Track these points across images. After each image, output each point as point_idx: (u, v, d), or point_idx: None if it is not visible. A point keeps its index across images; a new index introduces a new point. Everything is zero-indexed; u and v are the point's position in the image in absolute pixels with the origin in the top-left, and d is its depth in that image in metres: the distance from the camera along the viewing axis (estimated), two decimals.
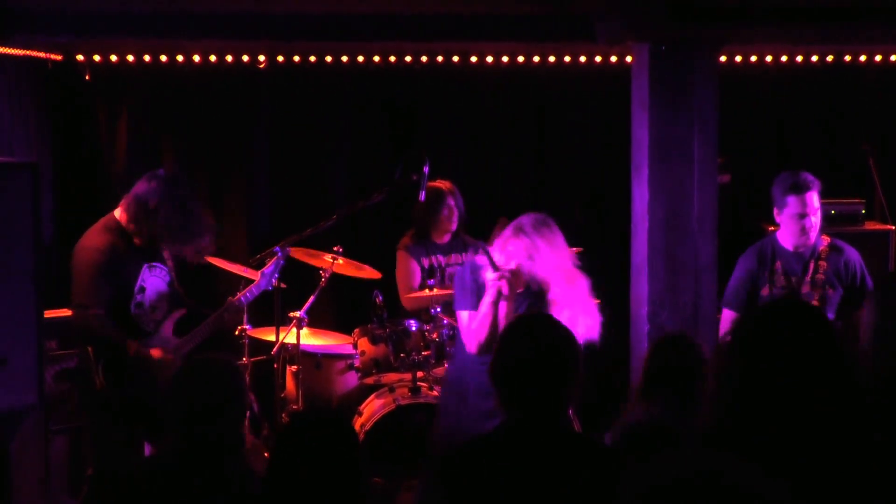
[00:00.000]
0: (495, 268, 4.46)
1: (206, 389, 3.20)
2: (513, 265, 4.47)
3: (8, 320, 4.19)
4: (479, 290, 4.56)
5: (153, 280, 5.03)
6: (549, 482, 2.74)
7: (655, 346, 3.84)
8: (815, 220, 5.02)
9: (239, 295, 5.28)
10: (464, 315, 4.62)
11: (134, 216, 4.93)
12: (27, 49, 6.23)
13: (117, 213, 4.99)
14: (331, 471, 2.76)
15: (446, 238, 6.33)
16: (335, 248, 5.81)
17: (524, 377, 2.82)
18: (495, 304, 4.44)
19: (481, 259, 4.55)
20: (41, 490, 4.43)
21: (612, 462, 2.86)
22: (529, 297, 4.58)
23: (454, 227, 6.30)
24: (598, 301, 4.82)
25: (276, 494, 2.77)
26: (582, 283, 4.59)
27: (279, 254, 5.35)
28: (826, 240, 5.12)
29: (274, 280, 5.37)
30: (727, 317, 5.22)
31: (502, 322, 4.40)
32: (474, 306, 4.55)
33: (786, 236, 5.12)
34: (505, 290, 4.42)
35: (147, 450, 5.16)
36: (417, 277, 6.25)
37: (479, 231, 6.53)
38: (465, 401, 4.57)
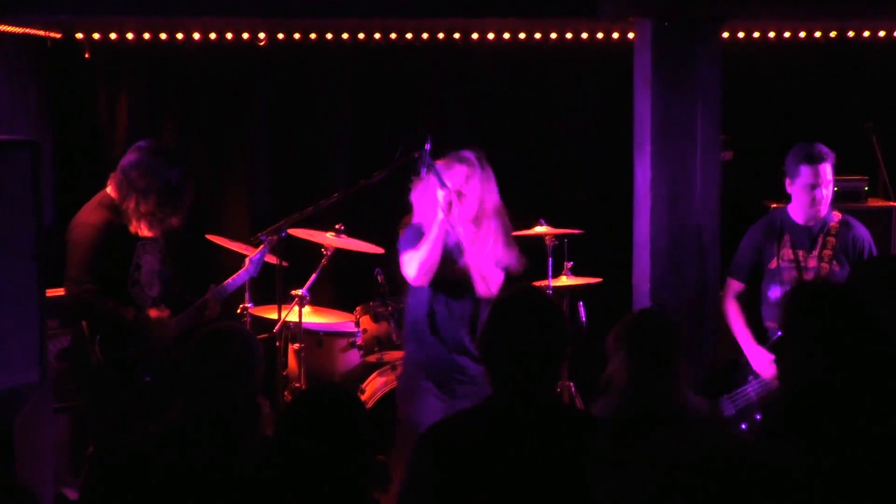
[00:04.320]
0: (443, 184, 4.59)
1: (219, 358, 3.19)
2: (454, 188, 4.63)
3: (9, 299, 4.17)
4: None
5: (147, 257, 5.01)
6: (541, 457, 2.74)
7: (627, 326, 3.67)
8: (827, 192, 5.00)
9: (222, 284, 5.23)
10: (406, 256, 4.74)
11: (118, 189, 4.90)
12: (26, 27, 6.20)
13: (109, 188, 4.97)
14: (339, 444, 2.75)
15: None
16: (337, 227, 5.80)
17: (514, 355, 2.81)
18: (446, 222, 4.59)
19: (431, 182, 4.68)
20: (48, 468, 4.43)
21: (604, 435, 2.85)
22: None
23: None
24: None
25: (283, 466, 2.76)
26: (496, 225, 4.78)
27: (265, 241, 5.30)
28: (837, 216, 5.10)
29: (260, 266, 5.32)
30: (732, 286, 5.21)
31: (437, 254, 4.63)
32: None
33: (797, 209, 5.10)
34: (455, 202, 4.58)
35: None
36: None
37: None
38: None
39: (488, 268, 4.72)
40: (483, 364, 2.89)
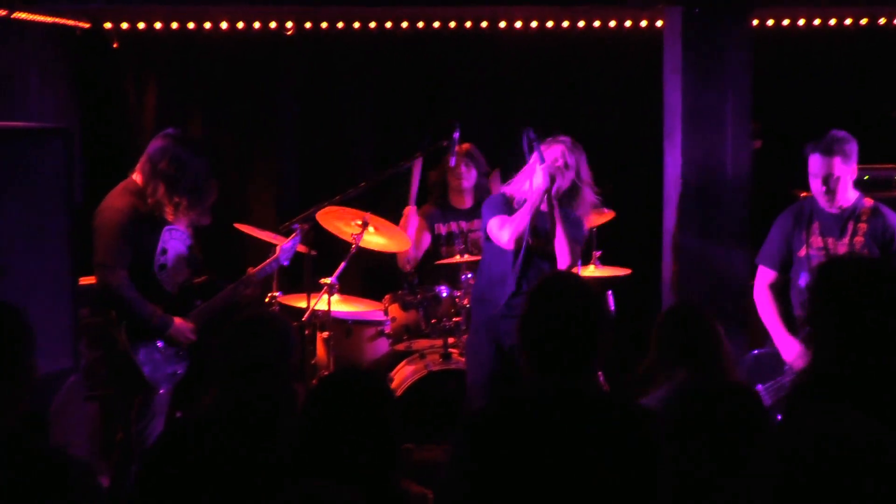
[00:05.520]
0: (543, 160, 4.87)
1: (255, 344, 3.18)
2: (559, 161, 4.97)
3: (43, 286, 4.21)
4: (509, 209, 5.02)
5: (174, 243, 5.02)
6: (581, 445, 2.72)
7: (664, 324, 3.72)
8: (835, 184, 4.92)
9: (257, 269, 5.26)
10: (495, 220, 5.02)
11: (144, 175, 4.93)
12: (56, 16, 6.23)
13: (135, 175, 5.00)
14: (364, 427, 2.74)
15: (468, 203, 6.29)
16: (365, 216, 5.78)
17: (554, 341, 2.80)
18: (547, 191, 4.85)
19: (532, 159, 4.95)
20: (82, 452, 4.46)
21: (645, 423, 2.83)
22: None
23: (466, 184, 6.24)
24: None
25: (307, 449, 2.75)
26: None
27: (297, 229, 5.33)
28: (869, 202, 5.04)
29: (291, 255, 5.36)
30: (762, 273, 5.17)
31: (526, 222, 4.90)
32: (506, 213, 5.00)
33: None
34: (558, 178, 4.91)
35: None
36: (424, 245, 6.27)
37: None
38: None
39: (574, 241, 5.02)
40: (521, 351, 2.87)
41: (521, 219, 4.90)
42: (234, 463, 3.05)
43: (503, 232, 4.95)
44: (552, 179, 4.87)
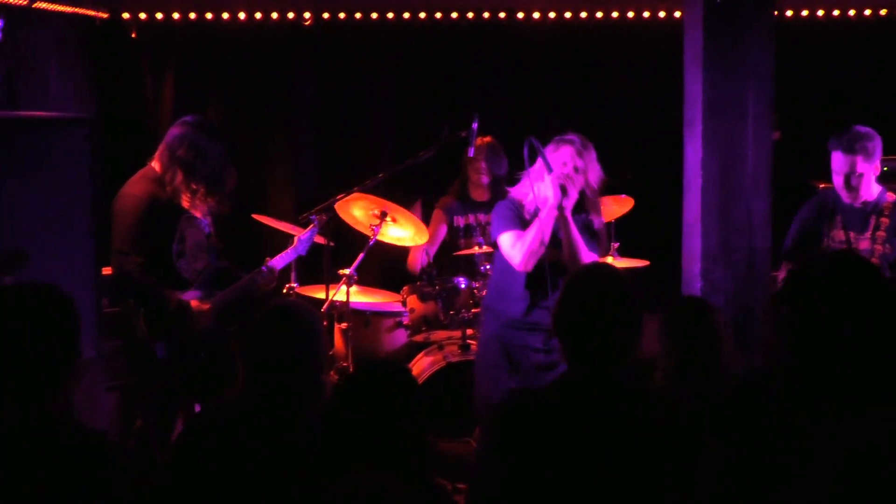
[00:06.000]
0: (550, 169, 4.57)
1: (282, 337, 3.16)
2: (568, 167, 4.62)
3: (65, 274, 4.20)
4: (520, 220, 4.69)
5: (192, 230, 5.03)
6: (614, 435, 2.72)
7: (670, 321, 3.67)
8: (857, 181, 4.92)
9: (274, 258, 5.25)
10: (506, 237, 4.68)
11: (162, 161, 4.93)
12: (75, 6, 6.24)
13: (154, 163, 5.00)
14: (392, 419, 2.73)
15: (487, 196, 6.28)
16: (384, 207, 5.78)
17: (588, 330, 2.80)
18: (559, 206, 4.54)
19: (538, 167, 4.64)
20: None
21: (677, 415, 2.83)
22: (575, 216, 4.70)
23: (484, 180, 6.23)
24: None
25: (335, 442, 2.75)
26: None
27: (314, 220, 5.33)
28: (892, 197, 5.03)
29: (309, 245, 5.36)
30: (786, 266, 5.16)
31: (546, 238, 4.56)
32: (519, 228, 4.65)
33: None
34: (568, 188, 4.58)
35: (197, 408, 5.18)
36: (440, 237, 6.25)
37: None
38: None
39: (585, 250, 4.70)
40: (558, 341, 2.87)
41: (532, 241, 4.58)
42: (259, 456, 3.04)
43: (514, 252, 4.65)
44: (563, 191, 4.59)
